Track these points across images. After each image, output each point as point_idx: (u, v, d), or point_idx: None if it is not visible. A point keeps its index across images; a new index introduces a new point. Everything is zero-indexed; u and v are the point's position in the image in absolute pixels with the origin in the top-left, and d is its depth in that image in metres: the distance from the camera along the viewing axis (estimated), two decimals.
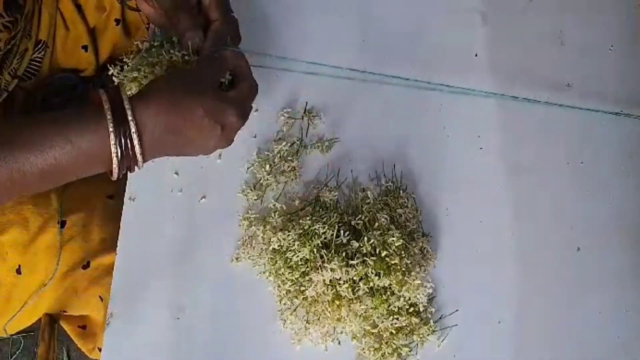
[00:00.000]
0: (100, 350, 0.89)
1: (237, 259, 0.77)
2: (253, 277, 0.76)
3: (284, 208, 0.77)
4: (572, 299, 0.76)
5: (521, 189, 0.81)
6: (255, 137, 0.83)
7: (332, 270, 0.70)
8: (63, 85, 0.98)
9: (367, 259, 0.70)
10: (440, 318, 0.75)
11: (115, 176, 0.66)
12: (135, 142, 0.63)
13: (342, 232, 0.72)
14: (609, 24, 0.88)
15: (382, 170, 0.81)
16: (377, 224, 0.73)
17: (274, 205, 0.77)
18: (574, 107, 0.80)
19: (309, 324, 0.73)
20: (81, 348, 1.03)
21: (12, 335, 1.01)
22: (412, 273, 0.72)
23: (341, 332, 0.74)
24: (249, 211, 0.79)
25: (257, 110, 0.84)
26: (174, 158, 0.82)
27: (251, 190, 0.80)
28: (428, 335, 0.73)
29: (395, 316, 0.72)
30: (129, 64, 0.76)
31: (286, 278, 0.73)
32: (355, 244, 0.71)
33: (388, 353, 0.72)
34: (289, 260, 0.72)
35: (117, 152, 0.63)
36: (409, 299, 0.72)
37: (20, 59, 0.89)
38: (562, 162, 0.82)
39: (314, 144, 0.82)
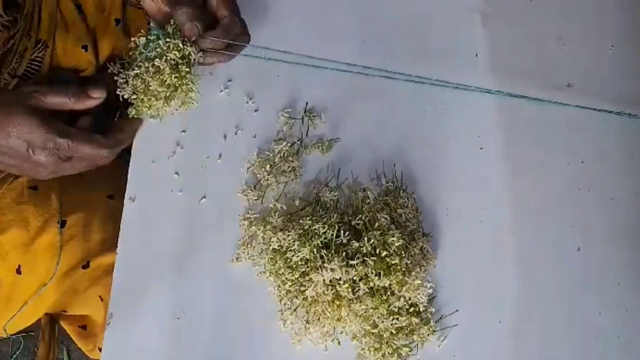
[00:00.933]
0: (100, 350, 0.89)
1: (237, 259, 0.77)
2: (253, 277, 0.76)
3: (284, 208, 0.77)
4: (572, 299, 0.76)
5: (521, 189, 0.81)
6: (255, 137, 0.83)
7: (332, 270, 0.70)
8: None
9: (367, 259, 0.70)
10: (440, 318, 0.75)
11: None
12: None
13: (342, 232, 0.72)
14: (609, 24, 0.88)
15: (382, 170, 0.81)
16: (377, 224, 0.73)
17: (274, 205, 0.77)
18: (574, 107, 0.80)
19: (309, 324, 0.73)
20: (81, 348, 1.03)
21: (12, 335, 1.01)
22: (412, 273, 0.72)
23: (341, 332, 0.74)
24: (249, 211, 0.79)
25: (257, 110, 0.84)
26: (174, 158, 0.82)
27: (251, 190, 0.80)
28: (428, 335, 0.73)
29: (395, 316, 0.72)
30: (129, 61, 0.76)
31: (286, 278, 0.73)
32: (356, 244, 0.71)
33: (388, 353, 0.72)
34: (289, 260, 0.72)
35: None
36: (409, 299, 0.72)
37: (20, 59, 0.89)
38: (562, 162, 0.82)
39: (314, 144, 0.82)
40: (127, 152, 0.83)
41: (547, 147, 0.83)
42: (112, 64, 0.77)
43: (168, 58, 0.75)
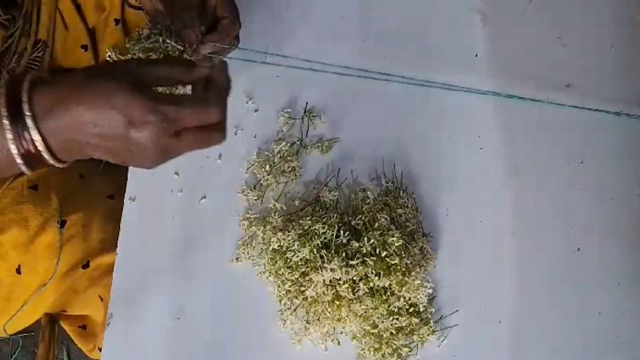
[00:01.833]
0: (100, 350, 0.89)
1: (237, 259, 0.77)
2: (253, 277, 0.76)
3: (284, 208, 0.77)
4: (572, 299, 0.76)
5: (521, 189, 0.81)
6: (255, 137, 0.83)
7: (332, 270, 0.70)
8: None
9: (367, 259, 0.70)
10: (440, 318, 0.75)
11: (27, 171, 0.60)
12: (35, 137, 0.57)
13: (342, 232, 0.72)
14: (609, 24, 0.88)
15: (382, 170, 0.81)
16: (377, 224, 0.73)
17: (274, 205, 0.77)
18: (574, 107, 0.80)
19: (309, 324, 0.73)
20: (81, 348, 1.03)
21: (12, 335, 1.01)
22: (412, 273, 0.72)
23: (341, 332, 0.74)
24: (249, 211, 0.79)
25: (257, 110, 0.84)
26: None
27: (251, 190, 0.80)
28: (428, 335, 0.73)
29: (395, 316, 0.72)
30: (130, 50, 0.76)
31: (286, 278, 0.73)
32: (355, 244, 0.71)
33: (388, 353, 0.72)
34: (289, 260, 0.72)
35: (18, 149, 0.57)
36: (409, 299, 0.72)
37: (19, 58, 0.89)
38: (562, 162, 0.82)
39: (314, 144, 0.82)
40: None
41: (547, 147, 0.82)
42: (110, 50, 0.76)
43: (164, 54, 0.75)
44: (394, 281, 0.71)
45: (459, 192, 0.81)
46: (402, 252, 0.71)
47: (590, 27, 0.88)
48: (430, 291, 0.73)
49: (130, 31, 1.01)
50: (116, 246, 0.79)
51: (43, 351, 0.95)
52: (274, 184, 0.80)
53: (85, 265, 0.91)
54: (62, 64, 0.98)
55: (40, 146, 0.57)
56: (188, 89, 0.65)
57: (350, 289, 0.71)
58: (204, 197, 0.81)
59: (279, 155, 0.81)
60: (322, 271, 0.70)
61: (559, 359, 0.75)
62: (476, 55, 0.87)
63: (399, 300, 0.71)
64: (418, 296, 0.72)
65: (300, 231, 0.73)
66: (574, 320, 0.76)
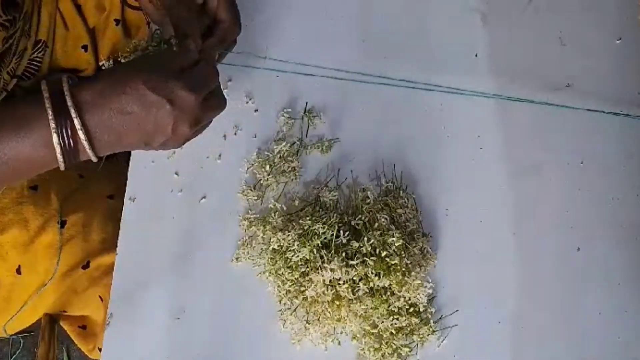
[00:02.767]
0: (100, 350, 0.89)
1: (237, 259, 0.77)
2: (253, 277, 0.76)
3: (284, 208, 0.77)
4: (572, 299, 0.76)
5: (521, 189, 0.81)
6: (255, 137, 0.83)
7: (332, 270, 0.70)
8: None
9: (367, 259, 0.70)
10: (440, 318, 0.75)
11: (62, 165, 0.63)
12: (78, 126, 0.61)
13: (342, 232, 0.72)
14: (609, 24, 0.88)
15: (382, 171, 0.81)
16: (377, 224, 0.73)
17: (274, 205, 0.77)
18: (574, 107, 0.80)
19: (309, 324, 0.73)
20: (81, 348, 1.03)
21: (12, 335, 1.01)
22: (412, 273, 0.72)
23: (341, 332, 0.74)
24: (249, 211, 0.79)
25: (257, 110, 0.84)
26: (174, 158, 0.82)
27: (251, 190, 0.80)
28: (428, 335, 0.73)
29: (395, 316, 0.72)
30: (124, 56, 0.75)
31: (286, 278, 0.73)
32: (355, 244, 0.71)
33: (388, 353, 0.72)
34: (289, 260, 0.72)
35: (59, 138, 0.61)
36: (409, 299, 0.72)
37: (19, 59, 0.89)
38: (562, 162, 0.82)
39: (314, 144, 0.82)
40: (128, 152, 0.83)
41: (547, 147, 0.82)
42: (107, 60, 0.76)
43: None
44: (394, 281, 0.71)
45: (459, 192, 0.81)
46: (402, 252, 0.71)
47: (590, 27, 0.88)
48: (430, 291, 0.73)
49: (130, 31, 1.01)
50: (116, 246, 0.79)
51: (43, 351, 0.95)
52: (274, 184, 0.80)
53: (85, 266, 0.91)
54: (62, 64, 0.98)
55: (82, 135, 0.61)
56: None
57: (350, 289, 0.71)
58: (204, 197, 0.81)
59: (279, 155, 0.81)
60: (322, 271, 0.70)
61: (559, 359, 0.75)
62: (476, 55, 0.87)
63: (399, 300, 0.71)
64: (418, 296, 0.72)
65: (300, 231, 0.73)
66: (574, 320, 0.76)
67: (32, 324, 0.97)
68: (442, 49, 0.87)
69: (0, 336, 0.97)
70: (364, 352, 0.73)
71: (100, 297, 0.93)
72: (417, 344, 0.73)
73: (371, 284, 0.70)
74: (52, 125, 0.60)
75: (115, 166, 0.94)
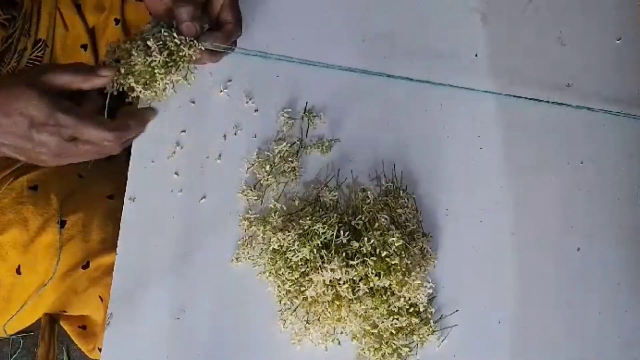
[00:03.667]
0: (100, 350, 0.89)
1: (237, 259, 0.77)
2: (253, 277, 0.76)
3: (284, 208, 0.77)
4: (572, 299, 0.76)
5: (521, 189, 0.81)
6: (255, 137, 0.83)
7: (332, 270, 0.70)
8: None
9: (367, 259, 0.70)
10: (440, 318, 0.75)
11: None
12: None
13: (342, 232, 0.72)
14: (609, 24, 0.88)
15: (382, 171, 0.81)
16: (377, 224, 0.73)
17: (274, 205, 0.77)
18: (574, 107, 0.80)
19: (309, 324, 0.73)
20: (81, 348, 1.03)
21: (12, 335, 1.01)
22: (412, 273, 0.72)
23: (341, 332, 0.74)
24: (249, 211, 0.79)
25: (257, 110, 0.84)
26: (174, 158, 0.82)
27: (251, 190, 0.80)
28: (428, 335, 0.73)
29: (395, 316, 0.72)
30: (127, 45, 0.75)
31: (286, 278, 0.73)
32: (355, 244, 0.71)
33: (388, 353, 0.72)
34: (289, 260, 0.72)
35: None
36: (409, 299, 0.72)
37: (19, 58, 0.89)
38: (562, 162, 0.82)
39: (314, 144, 0.82)
40: (128, 152, 0.83)
41: (547, 147, 0.82)
42: (108, 51, 0.76)
43: (165, 46, 0.74)
44: (394, 281, 0.71)
45: (459, 192, 0.81)
46: (402, 252, 0.71)
47: (590, 26, 0.88)
48: (430, 291, 0.73)
49: (130, 31, 1.01)
50: (116, 246, 0.79)
51: (43, 351, 0.95)
52: (274, 184, 0.80)
53: (85, 266, 0.91)
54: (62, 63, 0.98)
55: None
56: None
57: (350, 289, 0.71)
58: (204, 197, 0.81)
59: (279, 155, 0.81)
60: (322, 271, 0.70)
61: (559, 359, 0.75)
62: (476, 55, 0.87)
63: (399, 300, 0.72)
64: (418, 296, 0.72)
65: (300, 231, 0.73)
66: (574, 320, 0.76)
67: (32, 324, 0.97)
68: (442, 49, 0.87)
69: (0, 336, 0.97)
70: (364, 352, 0.73)
71: (100, 297, 0.93)
72: (417, 344, 0.73)
73: (371, 284, 0.70)
74: None
75: (115, 166, 0.94)
